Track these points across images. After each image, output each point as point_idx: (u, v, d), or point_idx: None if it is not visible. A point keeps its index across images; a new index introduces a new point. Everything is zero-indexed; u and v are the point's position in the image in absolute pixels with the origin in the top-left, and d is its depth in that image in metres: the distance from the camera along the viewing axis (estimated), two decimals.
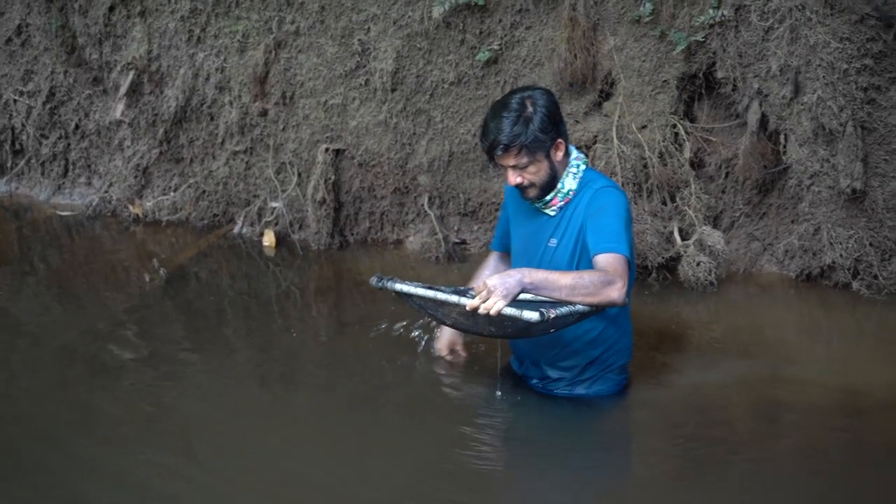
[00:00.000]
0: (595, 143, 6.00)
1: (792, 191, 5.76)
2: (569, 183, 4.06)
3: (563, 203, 4.08)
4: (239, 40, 6.83)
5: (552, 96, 4.07)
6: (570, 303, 3.73)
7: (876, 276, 5.52)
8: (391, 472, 3.85)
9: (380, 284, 4.02)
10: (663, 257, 5.79)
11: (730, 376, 4.69)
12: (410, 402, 4.45)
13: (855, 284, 5.56)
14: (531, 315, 3.59)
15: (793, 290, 5.73)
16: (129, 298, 5.95)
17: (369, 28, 6.43)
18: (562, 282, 3.72)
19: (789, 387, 4.55)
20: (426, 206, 6.52)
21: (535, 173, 3.99)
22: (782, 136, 5.65)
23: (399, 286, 3.95)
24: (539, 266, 4.03)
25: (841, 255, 5.54)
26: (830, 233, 5.56)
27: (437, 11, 6.11)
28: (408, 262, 6.46)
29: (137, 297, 5.97)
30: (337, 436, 4.17)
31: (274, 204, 6.86)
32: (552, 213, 4.10)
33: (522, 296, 3.75)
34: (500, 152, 3.93)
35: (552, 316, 3.64)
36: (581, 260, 4.03)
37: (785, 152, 5.66)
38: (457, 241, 6.47)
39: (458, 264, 6.29)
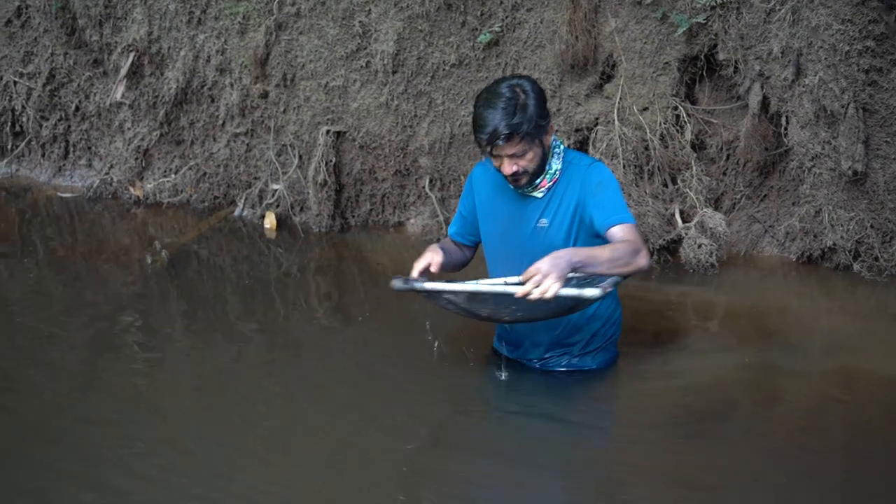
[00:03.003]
0: (596, 125, 6.00)
1: (793, 173, 5.76)
2: (554, 164, 4.07)
3: (550, 184, 4.08)
4: (239, 22, 6.82)
5: (535, 82, 4.06)
6: (606, 276, 3.78)
7: (877, 258, 5.53)
8: (391, 453, 3.86)
9: (406, 286, 3.90)
10: (664, 239, 5.79)
11: (730, 357, 4.70)
12: (410, 384, 4.46)
13: (856, 266, 5.57)
14: (593, 292, 3.61)
15: (794, 272, 5.74)
16: (131, 280, 5.96)
17: (370, 10, 6.42)
18: (602, 256, 3.75)
19: (789, 368, 4.57)
20: (427, 189, 6.52)
21: (531, 160, 3.97)
22: (783, 118, 5.65)
23: (429, 285, 3.86)
24: (528, 247, 4.08)
25: (842, 237, 5.54)
26: (831, 215, 5.56)
27: None
28: (409, 243, 6.47)
29: (139, 279, 5.98)
30: (336, 416, 4.18)
31: (275, 186, 6.86)
32: (539, 195, 4.09)
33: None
34: (502, 142, 3.87)
35: (608, 290, 3.68)
36: (578, 236, 4.06)
37: (786, 134, 5.66)
38: None
39: None
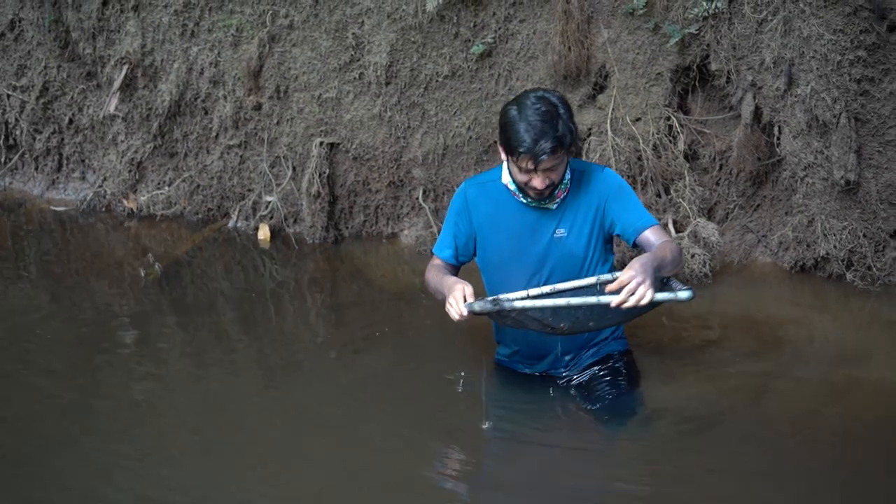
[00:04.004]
0: (589, 135, 6.00)
1: (786, 182, 5.77)
2: (566, 173, 4.04)
3: (564, 194, 4.06)
4: (233, 34, 6.83)
5: (557, 92, 4.02)
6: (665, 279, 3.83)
7: (870, 268, 5.53)
8: (390, 466, 3.86)
9: (495, 307, 3.75)
10: None
11: (724, 368, 4.70)
12: (411, 398, 4.45)
13: (849, 275, 5.58)
14: (686, 294, 3.66)
15: (787, 282, 5.74)
16: (125, 293, 5.95)
17: (363, 21, 6.42)
18: (668, 258, 3.80)
19: (783, 377, 4.57)
20: (421, 200, 6.52)
21: (561, 172, 3.93)
22: (776, 128, 5.66)
23: (518, 304, 3.74)
24: (547, 258, 4.08)
25: (835, 247, 5.55)
26: (824, 224, 5.57)
27: (430, 4, 6.10)
28: (402, 254, 6.47)
29: (133, 291, 5.98)
30: (334, 429, 4.18)
31: (268, 198, 6.86)
32: (553, 206, 4.06)
33: (562, 285, 3.93)
34: (546, 157, 3.79)
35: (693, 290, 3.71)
36: (598, 242, 4.08)
37: (779, 144, 5.67)
38: None
39: None
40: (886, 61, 5.33)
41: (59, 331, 5.37)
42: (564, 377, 4.34)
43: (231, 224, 7.01)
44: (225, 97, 6.94)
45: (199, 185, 7.18)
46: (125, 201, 7.38)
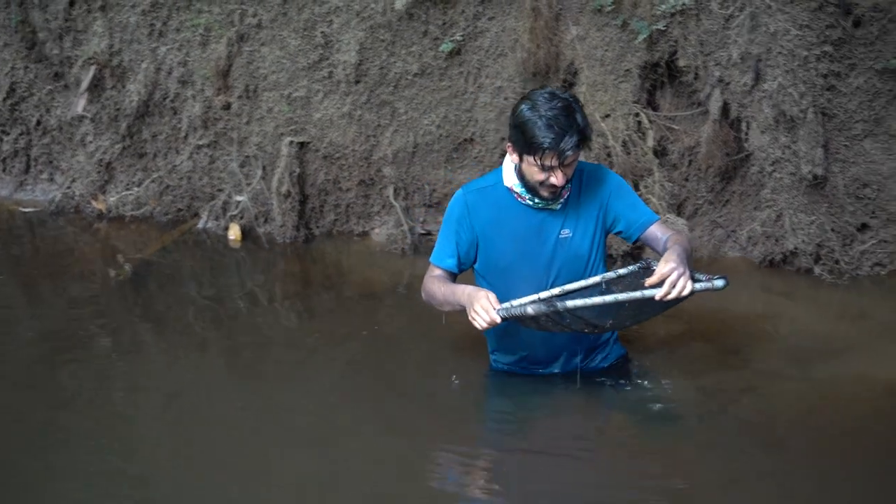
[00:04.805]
0: None
1: (754, 178, 5.81)
2: None
3: (567, 193, 4.00)
4: (201, 34, 6.80)
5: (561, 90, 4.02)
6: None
7: (837, 261, 5.58)
8: (369, 464, 3.85)
9: (549, 308, 3.70)
10: (628, 245, 5.82)
11: (694, 363, 4.71)
12: (383, 398, 4.45)
13: (817, 269, 5.62)
14: (720, 282, 3.74)
15: (757, 276, 5.77)
16: (95, 294, 5.92)
17: (332, 20, 6.41)
18: (689, 250, 3.89)
19: (764, 375, 4.56)
20: (391, 198, 6.51)
21: (575, 167, 3.89)
22: (744, 124, 5.70)
23: (570, 303, 3.69)
24: (553, 260, 4.04)
25: (803, 241, 5.59)
26: (792, 219, 5.61)
27: (399, 3, 6.11)
28: (374, 254, 6.46)
29: (103, 293, 5.94)
30: (305, 427, 4.17)
31: (239, 198, 6.83)
32: (557, 207, 4.00)
33: (570, 286, 3.95)
34: (571, 152, 3.73)
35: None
36: (600, 240, 4.10)
37: (747, 139, 5.71)
38: (422, 231, 6.47)
39: (423, 256, 6.27)
40: (852, 56, 5.37)
41: (29, 332, 5.34)
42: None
43: (201, 224, 6.97)
44: (194, 97, 6.91)
45: (168, 186, 7.14)
46: (94, 202, 7.33)
